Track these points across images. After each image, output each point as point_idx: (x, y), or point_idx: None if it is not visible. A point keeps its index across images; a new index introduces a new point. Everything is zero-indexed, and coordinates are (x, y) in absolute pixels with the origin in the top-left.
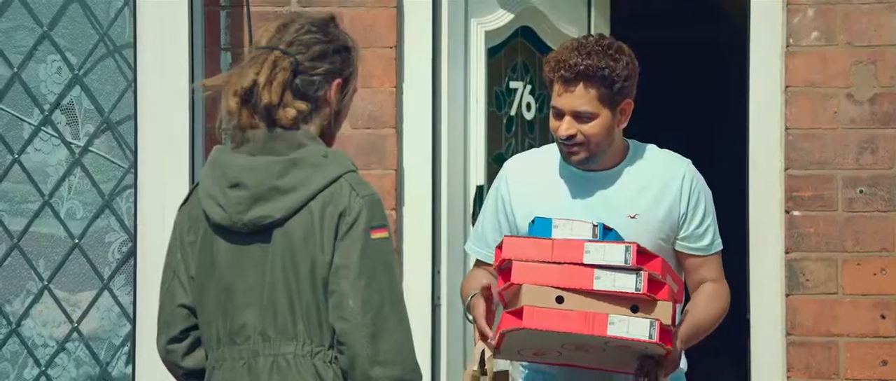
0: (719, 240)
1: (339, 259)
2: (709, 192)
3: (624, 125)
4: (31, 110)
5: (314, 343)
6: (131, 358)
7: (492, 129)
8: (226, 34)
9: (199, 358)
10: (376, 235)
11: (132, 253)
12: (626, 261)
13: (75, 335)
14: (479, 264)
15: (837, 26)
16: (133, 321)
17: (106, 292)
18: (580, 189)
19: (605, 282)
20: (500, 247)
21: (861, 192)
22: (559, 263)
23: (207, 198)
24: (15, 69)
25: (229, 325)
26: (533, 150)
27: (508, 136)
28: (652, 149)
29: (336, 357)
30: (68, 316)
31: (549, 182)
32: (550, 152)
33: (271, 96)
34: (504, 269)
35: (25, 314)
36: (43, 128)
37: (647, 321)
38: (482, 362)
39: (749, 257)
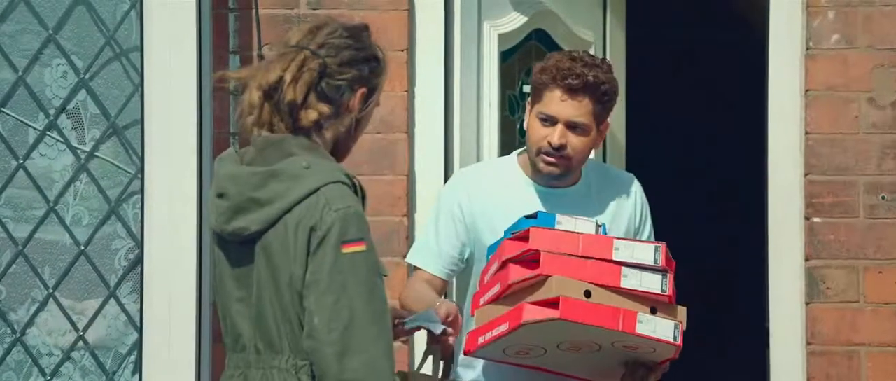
0: None
1: (310, 275)
2: None
3: (599, 146)
4: (36, 115)
5: (298, 357)
6: (138, 367)
7: (505, 134)
8: (234, 37)
9: None
10: (349, 249)
11: (139, 260)
12: (655, 261)
13: (81, 343)
14: (418, 277)
15: (858, 29)
16: (140, 330)
17: (112, 300)
18: (548, 206)
19: (632, 281)
20: (521, 238)
21: (883, 198)
22: (588, 257)
23: (209, 205)
24: (20, 73)
25: (229, 334)
26: (480, 164)
27: (522, 140)
28: (601, 164)
29: None
30: (74, 325)
31: (515, 198)
32: (504, 166)
33: (295, 94)
34: (522, 260)
35: (30, 323)
36: (48, 133)
37: (672, 323)
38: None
39: (768, 264)
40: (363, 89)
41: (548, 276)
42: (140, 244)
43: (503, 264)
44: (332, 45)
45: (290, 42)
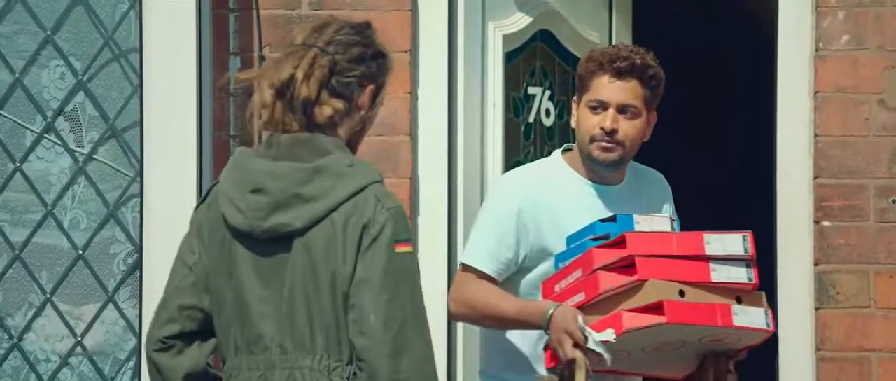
0: None
1: (362, 273)
2: None
3: (647, 138)
4: (34, 117)
5: (332, 358)
6: (137, 373)
7: (509, 136)
8: (234, 38)
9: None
10: (401, 249)
11: (138, 265)
12: (745, 250)
13: (79, 349)
14: (471, 277)
15: (869, 29)
16: (138, 335)
17: (111, 306)
18: (605, 203)
19: (721, 274)
20: (613, 245)
21: (893, 201)
22: (681, 256)
23: (227, 202)
24: (17, 74)
25: (246, 334)
26: (528, 168)
27: (526, 143)
28: (634, 163)
29: (355, 373)
30: (72, 330)
31: (576, 198)
32: (554, 168)
33: (309, 91)
34: (614, 266)
35: (27, 328)
36: (46, 135)
37: (762, 310)
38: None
39: (777, 269)
40: (371, 86)
41: (643, 281)
42: (139, 249)
43: (591, 273)
44: (340, 42)
45: (295, 41)
